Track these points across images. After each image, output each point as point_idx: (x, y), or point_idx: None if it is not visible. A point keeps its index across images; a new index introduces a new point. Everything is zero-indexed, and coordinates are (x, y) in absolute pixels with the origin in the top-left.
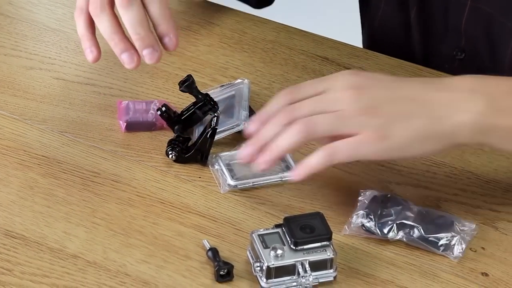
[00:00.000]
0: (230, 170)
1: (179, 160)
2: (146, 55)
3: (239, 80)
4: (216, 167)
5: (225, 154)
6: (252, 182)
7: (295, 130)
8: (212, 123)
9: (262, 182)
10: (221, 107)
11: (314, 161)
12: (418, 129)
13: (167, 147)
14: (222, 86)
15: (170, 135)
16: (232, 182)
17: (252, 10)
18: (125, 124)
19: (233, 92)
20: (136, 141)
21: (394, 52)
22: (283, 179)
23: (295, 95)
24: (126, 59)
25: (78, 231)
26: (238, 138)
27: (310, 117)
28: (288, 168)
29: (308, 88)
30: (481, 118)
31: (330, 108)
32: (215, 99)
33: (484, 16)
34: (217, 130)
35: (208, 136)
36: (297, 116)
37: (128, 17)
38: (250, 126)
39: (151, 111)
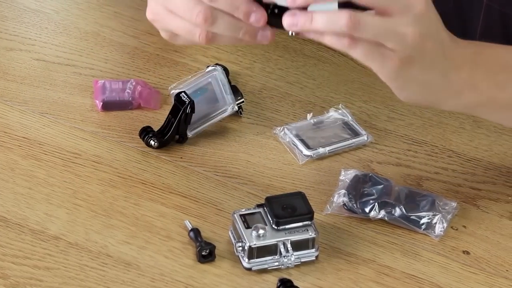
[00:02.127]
0: (301, 141)
1: (161, 145)
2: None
3: (210, 68)
4: (287, 139)
5: (291, 126)
6: (328, 151)
7: (341, 21)
8: (187, 110)
9: (337, 148)
10: (202, 95)
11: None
12: (428, 84)
13: (144, 137)
14: (195, 75)
15: (150, 115)
16: (308, 152)
17: None
18: (102, 103)
19: (209, 80)
20: (117, 122)
21: None
22: (355, 143)
23: None
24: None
25: (60, 212)
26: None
27: (361, 15)
28: (356, 134)
29: None
30: (478, 95)
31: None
32: (192, 89)
33: None
34: (209, 116)
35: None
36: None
37: None
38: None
39: (127, 90)
